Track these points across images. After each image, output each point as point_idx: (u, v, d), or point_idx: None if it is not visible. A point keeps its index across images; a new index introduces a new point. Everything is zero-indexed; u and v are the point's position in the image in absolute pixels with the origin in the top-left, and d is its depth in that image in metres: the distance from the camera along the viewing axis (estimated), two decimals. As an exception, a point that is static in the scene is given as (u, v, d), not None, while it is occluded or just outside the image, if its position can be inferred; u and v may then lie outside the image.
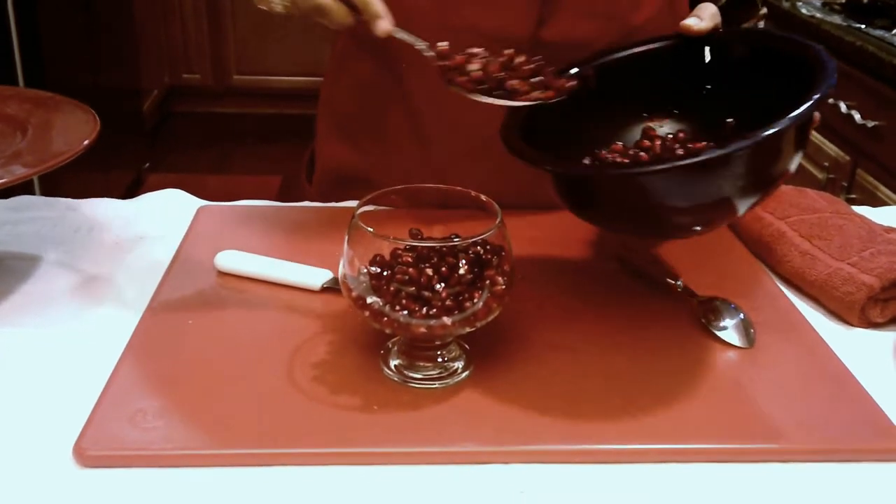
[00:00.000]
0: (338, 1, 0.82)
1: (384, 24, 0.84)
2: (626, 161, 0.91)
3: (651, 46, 0.97)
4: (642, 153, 0.91)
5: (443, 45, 0.84)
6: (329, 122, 1.22)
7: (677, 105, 0.95)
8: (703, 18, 0.93)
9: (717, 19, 0.94)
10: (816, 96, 0.76)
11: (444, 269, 0.72)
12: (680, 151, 0.90)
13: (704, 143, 0.90)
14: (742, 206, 0.80)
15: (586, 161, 0.91)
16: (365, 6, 0.83)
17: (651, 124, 0.95)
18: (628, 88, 0.95)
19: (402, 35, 0.85)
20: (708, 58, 0.94)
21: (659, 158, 0.89)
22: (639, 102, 0.96)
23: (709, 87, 0.94)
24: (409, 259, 0.73)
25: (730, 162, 0.74)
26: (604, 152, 0.93)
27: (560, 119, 0.89)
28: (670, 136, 0.93)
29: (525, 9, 1.03)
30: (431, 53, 0.85)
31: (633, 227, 0.88)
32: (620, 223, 0.87)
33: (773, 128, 0.73)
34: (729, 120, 0.90)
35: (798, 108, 0.74)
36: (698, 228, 0.86)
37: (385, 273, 0.73)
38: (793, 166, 0.80)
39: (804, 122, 0.76)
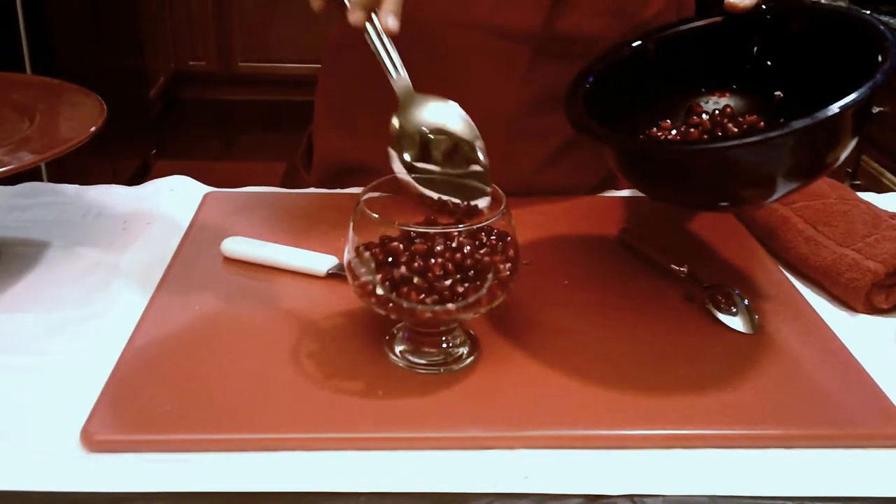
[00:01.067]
0: None
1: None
2: (679, 138, 0.92)
3: (697, 24, 0.97)
4: (692, 129, 0.92)
5: None
6: (326, 111, 1.22)
7: (726, 81, 0.96)
8: None
9: None
10: (888, 64, 0.76)
11: (449, 255, 0.73)
12: (730, 125, 0.91)
13: (754, 116, 0.91)
14: (785, 188, 0.81)
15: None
16: None
17: (699, 100, 0.96)
18: (676, 68, 0.96)
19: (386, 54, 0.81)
20: (755, 34, 0.95)
21: (742, 132, 0.91)
22: (687, 81, 0.97)
23: (755, 62, 0.95)
24: (415, 245, 0.73)
25: (815, 130, 0.74)
26: (654, 130, 0.94)
27: (612, 101, 0.90)
28: (717, 111, 0.93)
29: (536, 5, 1.03)
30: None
31: (689, 199, 0.90)
32: (679, 195, 0.87)
33: (858, 92, 0.73)
34: (777, 93, 0.91)
35: (871, 76, 0.75)
36: (756, 202, 0.87)
37: (390, 259, 0.74)
38: (844, 152, 0.80)
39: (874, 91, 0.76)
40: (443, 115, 0.79)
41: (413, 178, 0.77)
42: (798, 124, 0.72)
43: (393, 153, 0.78)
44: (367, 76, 1.14)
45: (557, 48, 1.04)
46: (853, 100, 0.73)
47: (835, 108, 0.72)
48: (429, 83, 1.08)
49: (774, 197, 0.81)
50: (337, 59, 1.18)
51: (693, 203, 0.93)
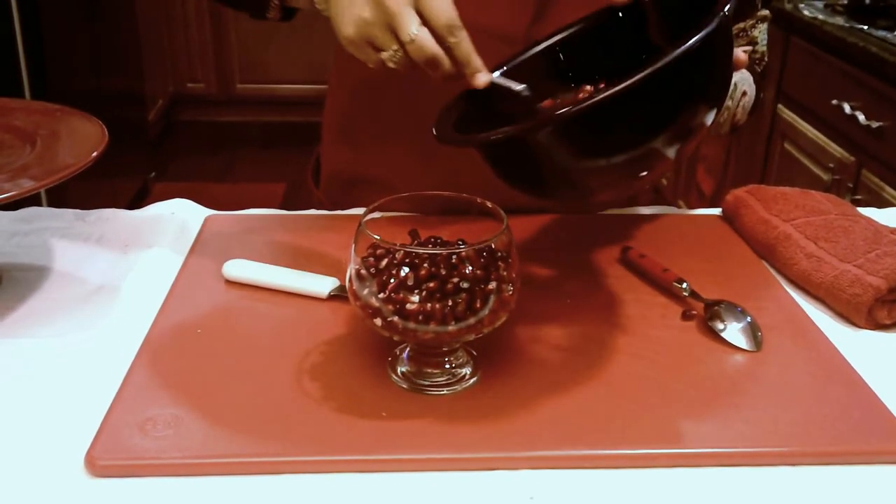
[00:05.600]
0: (446, 56, 0.83)
1: (484, 78, 0.84)
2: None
3: (583, 26, 0.95)
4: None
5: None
6: (334, 127, 1.23)
7: (612, 73, 0.93)
8: None
9: None
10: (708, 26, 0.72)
11: (450, 275, 0.73)
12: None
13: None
14: (659, 154, 0.77)
15: None
16: (468, 62, 0.83)
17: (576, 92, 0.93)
18: (562, 69, 0.94)
19: (501, 82, 0.86)
20: (634, 25, 0.92)
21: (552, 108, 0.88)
22: (573, 76, 0.94)
23: (637, 50, 0.89)
24: (416, 266, 0.73)
25: (619, 101, 0.71)
26: None
27: (502, 108, 0.87)
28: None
29: (520, 6, 1.03)
30: (528, 94, 0.86)
31: (557, 189, 0.85)
32: (544, 186, 0.84)
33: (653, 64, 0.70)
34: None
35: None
36: (623, 181, 0.82)
37: (392, 280, 0.74)
38: (707, 115, 0.77)
39: (698, 51, 0.72)
40: None
41: None
42: (598, 96, 0.70)
43: None
44: (373, 92, 1.15)
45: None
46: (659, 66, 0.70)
47: (623, 84, 0.69)
48: (423, 90, 1.09)
49: (640, 173, 0.79)
50: (344, 76, 1.19)
51: (570, 195, 0.90)
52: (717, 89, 0.80)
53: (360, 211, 0.78)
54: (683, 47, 0.71)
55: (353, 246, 0.76)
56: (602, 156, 0.76)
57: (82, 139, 0.96)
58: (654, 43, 0.90)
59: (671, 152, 0.77)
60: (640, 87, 0.70)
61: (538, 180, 0.82)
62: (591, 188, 0.83)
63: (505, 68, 0.92)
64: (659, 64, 0.70)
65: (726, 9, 0.75)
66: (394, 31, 0.82)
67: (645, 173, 0.80)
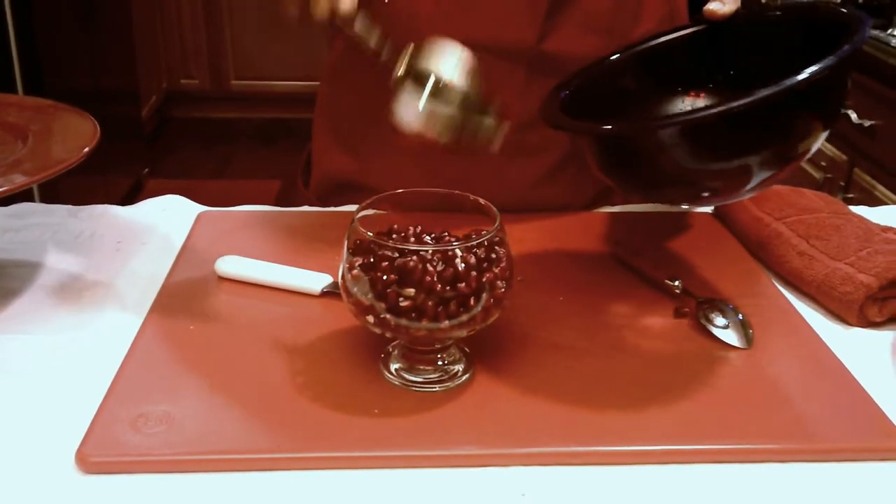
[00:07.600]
0: None
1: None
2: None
3: (676, 35, 0.98)
4: None
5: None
6: (326, 128, 1.22)
7: (713, 81, 0.97)
8: (726, 2, 0.94)
9: (738, 3, 0.95)
10: (856, 36, 0.75)
11: (443, 272, 0.73)
12: None
13: None
14: (758, 174, 0.79)
15: None
16: None
17: (675, 102, 0.97)
18: (655, 76, 0.97)
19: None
20: (734, 38, 0.95)
21: (678, 113, 0.92)
22: (664, 87, 0.97)
23: (734, 66, 0.95)
24: (409, 263, 0.73)
25: (755, 112, 0.73)
26: None
27: (598, 103, 0.91)
28: None
29: (527, 23, 1.03)
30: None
31: (666, 190, 0.87)
32: (657, 185, 0.86)
33: (824, 61, 0.72)
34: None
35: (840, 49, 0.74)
36: (731, 190, 0.84)
37: (385, 277, 0.73)
38: (816, 141, 0.79)
39: (827, 77, 0.74)
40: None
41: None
42: (763, 92, 0.71)
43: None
44: (367, 96, 1.15)
45: (551, 66, 1.04)
46: (818, 69, 0.72)
47: (800, 76, 0.71)
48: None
49: (750, 186, 0.80)
50: (337, 79, 1.18)
51: (670, 194, 0.90)
52: (835, 116, 0.81)
53: (353, 208, 0.78)
54: (831, 59, 0.73)
55: (346, 243, 0.76)
56: (721, 160, 0.78)
57: (74, 135, 0.96)
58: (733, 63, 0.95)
59: (774, 168, 0.79)
60: (781, 96, 0.71)
61: (646, 175, 0.84)
62: (706, 188, 0.84)
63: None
64: (808, 72, 0.72)
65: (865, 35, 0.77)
66: None
67: (752, 185, 0.81)
